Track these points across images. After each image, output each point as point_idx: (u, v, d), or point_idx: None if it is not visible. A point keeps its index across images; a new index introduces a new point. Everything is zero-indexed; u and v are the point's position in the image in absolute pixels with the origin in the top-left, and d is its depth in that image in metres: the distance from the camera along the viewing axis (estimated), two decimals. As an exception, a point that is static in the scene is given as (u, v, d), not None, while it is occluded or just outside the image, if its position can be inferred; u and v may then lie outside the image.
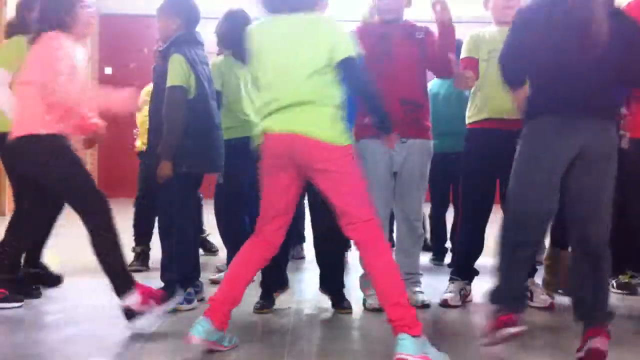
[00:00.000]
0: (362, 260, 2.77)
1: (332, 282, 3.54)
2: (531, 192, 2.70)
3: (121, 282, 3.07)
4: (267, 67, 2.78)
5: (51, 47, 3.16)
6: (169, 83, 3.38)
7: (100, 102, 3.33)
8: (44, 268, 4.09)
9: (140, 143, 4.89)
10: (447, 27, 3.43)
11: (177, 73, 3.37)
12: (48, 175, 3.19)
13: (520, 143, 2.78)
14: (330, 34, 2.74)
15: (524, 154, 2.75)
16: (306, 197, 3.58)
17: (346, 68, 2.72)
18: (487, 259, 4.05)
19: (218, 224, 4.31)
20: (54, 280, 4.05)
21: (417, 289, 3.63)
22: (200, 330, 2.69)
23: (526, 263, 2.81)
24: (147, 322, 3.01)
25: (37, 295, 3.69)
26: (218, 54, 4.31)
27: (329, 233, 3.50)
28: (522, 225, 2.73)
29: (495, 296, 2.80)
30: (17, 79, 3.32)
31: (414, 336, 2.53)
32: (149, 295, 3.08)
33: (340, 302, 3.49)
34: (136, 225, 4.75)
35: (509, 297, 2.78)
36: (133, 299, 3.03)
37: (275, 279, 3.51)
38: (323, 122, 2.69)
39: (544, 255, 4.15)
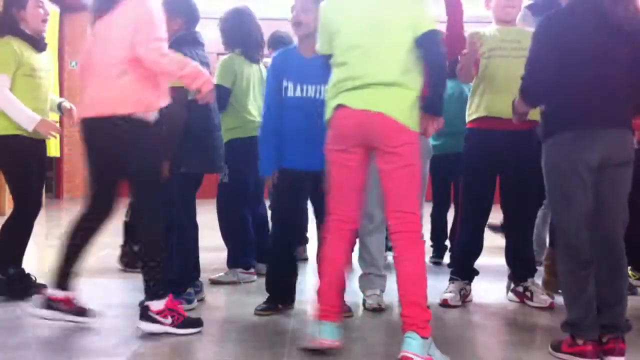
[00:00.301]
0: (394, 254, 2.72)
1: None
2: (575, 213, 2.66)
3: (155, 285, 3.01)
4: (344, 44, 2.72)
5: (142, 12, 2.90)
6: (168, 84, 3.37)
7: (194, 73, 3.03)
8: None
9: None
10: (454, 1, 3.40)
11: None
12: (137, 159, 2.99)
13: (543, 159, 2.75)
14: (411, 7, 2.68)
15: (549, 172, 2.72)
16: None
17: (427, 42, 2.67)
18: (487, 259, 4.07)
19: (220, 224, 4.32)
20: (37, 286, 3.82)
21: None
22: (331, 332, 2.71)
23: (590, 284, 2.70)
24: (150, 329, 2.97)
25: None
26: (219, 54, 4.31)
27: None
28: (577, 249, 2.68)
29: (569, 326, 2.73)
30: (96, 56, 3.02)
31: (422, 337, 2.55)
32: (170, 310, 2.99)
33: None
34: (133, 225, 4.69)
35: (583, 325, 2.69)
36: (155, 304, 2.97)
37: (281, 293, 3.51)
38: (405, 105, 2.64)
39: (544, 256, 4.15)
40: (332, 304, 2.75)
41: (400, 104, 2.64)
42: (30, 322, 3.29)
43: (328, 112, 2.76)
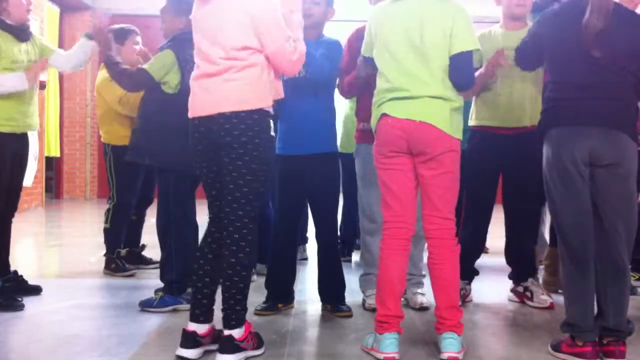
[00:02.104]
0: (430, 258, 2.80)
1: (328, 290, 3.51)
2: (570, 202, 2.69)
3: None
4: (388, 57, 2.76)
5: (269, 4, 2.71)
6: (144, 65, 3.48)
7: None
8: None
9: (107, 133, 4.50)
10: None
11: (155, 64, 3.40)
12: (254, 154, 2.67)
13: (544, 156, 2.79)
14: (451, 24, 2.73)
15: (546, 169, 2.76)
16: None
17: (460, 61, 2.74)
18: (487, 259, 4.06)
19: None
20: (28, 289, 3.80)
21: (419, 290, 3.61)
22: (395, 345, 2.71)
23: (591, 285, 2.70)
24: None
25: (20, 307, 3.48)
26: None
27: (330, 241, 3.49)
28: (572, 245, 2.69)
29: (569, 327, 2.74)
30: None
31: (459, 335, 2.73)
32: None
33: (336, 310, 3.45)
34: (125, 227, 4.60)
35: (583, 327, 2.69)
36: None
37: (282, 293, 3.51)
38: (445, 113, 2.73)
39: (544, 255, 4.15)
40: (396, 313, 2.76)
41: (441, 113, 2.72)
42: (31, 322, 3.29)
43: (374, 121, 2.83)
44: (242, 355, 2.67)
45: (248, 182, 2.65)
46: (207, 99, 2.69)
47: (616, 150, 2.67)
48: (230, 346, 2.64)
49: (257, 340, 2.76)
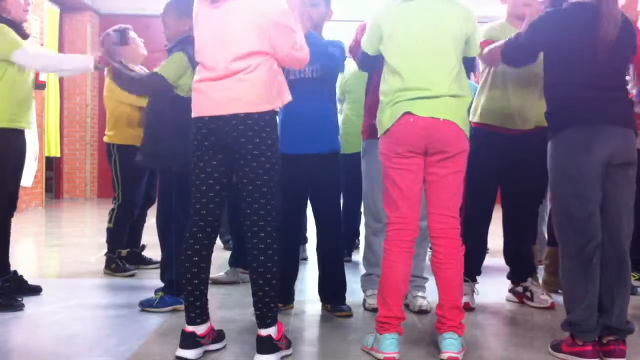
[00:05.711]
0: (434, 258, 2.79)
1: (329, 290, 3.51)
2: (585, 200, 2.68)
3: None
4: (407, 55, 2.76)
5: (284, 8, 2.71)
6: (156, 69, 3.42)
7: None
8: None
9: (113, 133, 4.49)
10: None
11: (169, 67, 3.38)
12: (265, 156, 2.68)
13: (551, 156, 2.78)
14: (468, 27, 2.79)
15: (560, 168, 2.74)
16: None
17: (468, 66, 2.90)
18: (487, 259, 4.06)
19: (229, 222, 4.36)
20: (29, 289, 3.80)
21: (420, 293, 3.56)
22: (396, 345, 2.71)
23: (593, 284, 2.71)
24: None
25: (20, 307, 3.48)
26: None
27: (331, 241, 3.49)
28: (585, 238, 2.69)
29: (569, 326, 2.74)
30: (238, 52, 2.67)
31: (460, 336, 2.73)
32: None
33: (336, 310, 3.45)
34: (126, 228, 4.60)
35: (583, 327, 2.70)
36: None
37: (281, 293, 3.49)
38: (464, 113, 2.78)
39: (544, 255, 4.15)
40: (397, 314, 2.76)
41: (461, 112, 2.76)
42: (31, 322, 3.29)
43: (387, 120, 2.77)
44: (279, 354, 2.68)
45: (265, 182, 2.67)
46: (218, 99, 2.67)
47: (631, 149, 2.71)
48: (270, 346, 2.65)
49: (286, 340, 2.78)
